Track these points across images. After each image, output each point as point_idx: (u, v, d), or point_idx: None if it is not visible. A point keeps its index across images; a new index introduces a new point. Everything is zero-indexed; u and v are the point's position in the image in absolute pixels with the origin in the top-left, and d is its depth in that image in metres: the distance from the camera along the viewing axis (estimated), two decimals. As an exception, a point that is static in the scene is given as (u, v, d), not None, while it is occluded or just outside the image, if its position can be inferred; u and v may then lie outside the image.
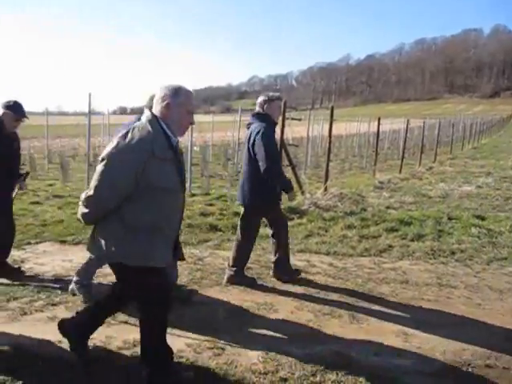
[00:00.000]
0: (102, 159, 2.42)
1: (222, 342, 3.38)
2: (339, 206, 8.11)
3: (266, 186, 4.28)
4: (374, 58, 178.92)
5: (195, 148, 15.53)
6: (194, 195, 9.41)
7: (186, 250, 5.59)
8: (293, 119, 11.46)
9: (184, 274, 4.76)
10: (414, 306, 4.22)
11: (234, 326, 3.68)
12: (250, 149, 4.29)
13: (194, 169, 10.82)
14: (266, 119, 4.35)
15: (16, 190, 4.69)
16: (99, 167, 2.43)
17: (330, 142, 10.11)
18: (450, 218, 7.29)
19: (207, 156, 16.11)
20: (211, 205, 8.28)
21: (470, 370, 3.15)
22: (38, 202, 8.36)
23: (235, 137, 16.56)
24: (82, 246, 5.68)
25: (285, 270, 4.68)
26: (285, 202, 5.55)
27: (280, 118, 8.90)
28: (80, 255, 5.34)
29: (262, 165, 4.17)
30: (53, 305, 3.92)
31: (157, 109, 2.57)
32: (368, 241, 6.21)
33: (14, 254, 5.27)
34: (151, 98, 2.92)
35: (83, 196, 2.52)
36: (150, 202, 2.47)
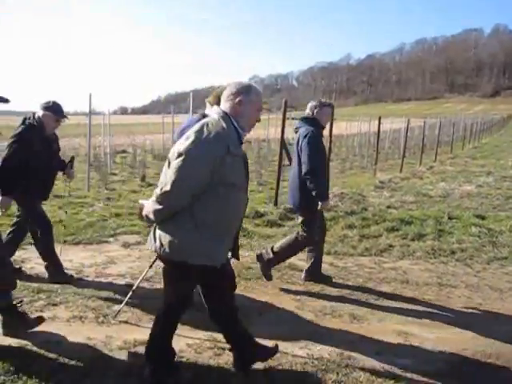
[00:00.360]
0: (180, 154, 2.39)
1: (222, 342, 3.37)
2: (340, 206, 8.11)
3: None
4: (374, 58, 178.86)
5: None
6: (194, 195, 9.38)
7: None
8: (293, 119, 11.45)
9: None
10: (415, 305, 4.21)
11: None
12: (299, 152, 4.33)
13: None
14: (315, 123, 4.40)
15: (67, 179, 4.74)
16: (176, 162, 2.39)
17: (330, 142, 10.10)
18: (450, 218, 7.28)
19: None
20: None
21: (470, 369, 3.15)
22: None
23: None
24: (83, 246, 5.70)
25: (317, 274, 4.71)
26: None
27: (280, 118, 8.91)
28: (80, 255, 5.35)
29: (303, 167, 4.22)
30: (53, 305, 3.92)
31: (226, 105, 2.58)
32: (369, 240, 6.21)
33: (15, 254, 5.27)
34: (215, 96, 3.02)
35: (158, 192, 2.46)
36: (221, 198, 2.47)
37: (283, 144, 8.50)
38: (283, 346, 3.32)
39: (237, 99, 2.55)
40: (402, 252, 5.78)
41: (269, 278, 4.59)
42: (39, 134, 4.27)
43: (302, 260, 5.37)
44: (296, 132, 4.52)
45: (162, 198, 2.43)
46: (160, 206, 2.46)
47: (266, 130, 24.79)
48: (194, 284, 2.75)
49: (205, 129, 2.42)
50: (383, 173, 13.94)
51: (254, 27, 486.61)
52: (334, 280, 4.75)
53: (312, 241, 4.53)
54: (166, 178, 2.42)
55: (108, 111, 17.03)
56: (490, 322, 3.91)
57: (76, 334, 3.39)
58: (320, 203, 4.28)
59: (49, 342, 3.27)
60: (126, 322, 3.64)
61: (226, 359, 3.13)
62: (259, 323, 3.72)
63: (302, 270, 4.96)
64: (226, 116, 2.52)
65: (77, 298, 4.05)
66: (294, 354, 3.22)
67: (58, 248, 4.59)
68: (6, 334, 3.28)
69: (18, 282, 3.48)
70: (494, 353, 3.35)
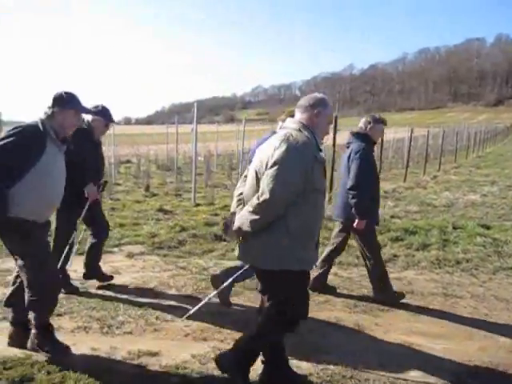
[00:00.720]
0: (274, 163, 2.46)
1: (226, 352, 3.36)
2: (344, 216, 8.08)
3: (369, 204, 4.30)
4: (377, 68, 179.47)
5: (200, 158, 15.58)
6: (198, 205, 9.42)
7: (191, 260, 5.61)
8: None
9: (189, 284, 4.76)
10: (420, 316, 4.19)
11: (239, 336, 3.66)
12: (349, 167, 4.33)
13: (198, 178, 10.84)
14: (366, 139, 4.40)
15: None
16: (272, 171, 2.46)
17: (334, 152, 10.12)
18: (454, 228, 7.25)
19: (211, 166, 16.16)
20: (216, 215, 8.28)
21: (476, 381, 3.12)
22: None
23: (239, 147, 16.59)
24: (87, 256, 5.69)
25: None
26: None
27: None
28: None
29: (349, 182, 4.24)
30: (58, 315, 3.90)
31: (303, 116, 2.69)
32: (373, 250, 6.18)
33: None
34: (288, 115, 3.20)
35: (255, 202, 2.51)
36: (310, 204, 2.58)
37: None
38: (288, 356, 3.30)
39: (315, 111, 2.67)
40: (406, 262, 5.76)
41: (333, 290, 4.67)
42: (89, 139, 4.24)
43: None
44: (347, 147, 4.49)
45: (261, 208, 2.48)
46: (257, 216, 2.50)
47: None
48: (294, 290, 2.70)
49: (291, 138, 2.52)
50: (387, 182, 13.93)
51: (257, 38, 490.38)
52: (338, 290, 4.73)
53: (374, 256, 4.49)
54: (263, 188, 2.47)
55: (112, 122, 17.11)
56: (496, 332, 3.88)
57: (80, 344, 3.39)
58: (356, 220, 4.26)
59: (53, 352, 3.27)
60: (130, 333, 3.64)
61: (231, 370, 3.11)
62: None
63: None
64: (304, 126, 2.63)
65: (81, 309, 4.05)
66: (298, 364, 3.20)
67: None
68: (32, 348, 3.21)
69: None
70: (500, 364, 3.32)
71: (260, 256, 2.56)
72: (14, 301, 3.30)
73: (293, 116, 2.84)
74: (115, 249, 6.08)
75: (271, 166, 2.46)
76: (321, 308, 4.30)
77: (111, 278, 4.75)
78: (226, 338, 3.59)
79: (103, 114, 4.31)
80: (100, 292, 4.52)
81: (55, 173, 3.12)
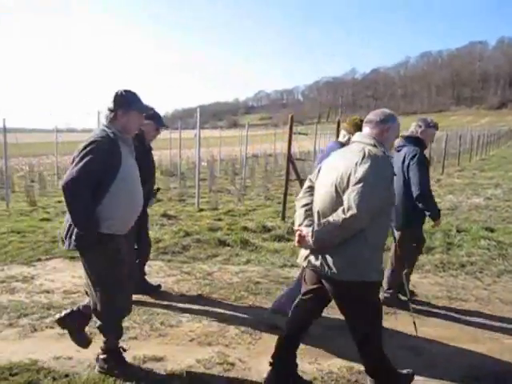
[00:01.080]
0: (360, 180, 2.52)
1: (232, 357, 3.37)
2: (347, 220, 8.07)
3: (418, 209, 4.28)
4: (379, 72, 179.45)
5: (203, 163, 15.62)
6: (202, 210, 9.44)
7: (195, 265, 5.62)
8: (300, 134, 11.51)
9: (193, 289, 4.77)
10: (425, 319, 4.18)
11: (245, 341, 3.68)
12: (405, 172, 4.31)
13: (201, 184, 10.87)
14: (419, 143, 4.40)
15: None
16: (358, 188, 2.51)
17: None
18: (459, 231, 7.24)
19: (215, 171, 16.18)
20: (219, 220, 8.30)
21: (482, 384, 3.12)
22: (47, 219, 8.43)
23: (243, 152, 16.66)
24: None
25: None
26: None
27: (287, 133, 8.97)
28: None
29: (415, 190, 4.21)
30: (63, 321, 3.93)
31: (374, 131, 2.78)
32: (377, 254, 6.18)
33: (25, 271, 5.32)
34: (353, 124, 3.46)
35: (341, 216, 2.54)
36: (385, 217, 2.72)
37: (290, 159, 8.53)
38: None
39: (385, 126, 2.77)
40: (410, 266, 5.74)
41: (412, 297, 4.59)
42: (141, 143, 4.13)
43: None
44: (398, 151, 4.47)
45: (349, 222, 2.53)
46: (343, 230, 2.57)
47: (272, 145, 24.89)
48: (370, 301, 2.77)
49: (372, 154, 2.60)
50: (390, 186, 13.89)
51: (260, 43, 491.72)
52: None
53: (400, 262, 4.49)
54: (349, 203, 2.51)
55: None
56: (501, 335, 3.87)
57: (86, 349, 3.40)
58: (434, 222, 4.39)
59: (59, 357, 3.29)
60: (135, 338, 3.65)
61: (236, 374, 3.13)
62: (269, 338, 3.71)
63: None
64: (378, 142, 2.72)
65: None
66: (303, 369, 3.20)
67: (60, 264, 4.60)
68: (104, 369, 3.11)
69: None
70: (505, 366, 3.32)
71: (344, 268, 2.61)
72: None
73: (357, 125, 2.99)
74: (119, 254, 6.08)
75: (357, 183, 2.53)
76: (324, 312, 4.29)
77: (159, 287, 4.70)
78: (231, 343, 3.60)
79: (154, 117, 4.22)
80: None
81: (134, 176, 3.04)
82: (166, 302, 4.44)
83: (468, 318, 4.25)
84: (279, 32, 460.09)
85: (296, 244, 2.82)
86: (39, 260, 5.79)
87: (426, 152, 4.71)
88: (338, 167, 2.68)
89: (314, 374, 3.15)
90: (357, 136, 2.85)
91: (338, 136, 10.04)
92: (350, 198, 2.51)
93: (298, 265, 5.69)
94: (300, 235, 2.74)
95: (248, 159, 18.01)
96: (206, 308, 4.30)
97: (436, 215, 4.33)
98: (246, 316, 4.16)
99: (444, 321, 4.16)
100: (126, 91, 2.98)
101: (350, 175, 2.57)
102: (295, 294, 3.56)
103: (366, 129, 2.81)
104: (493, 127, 54.73)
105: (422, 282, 5.20)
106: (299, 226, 2.80)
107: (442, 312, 4.36)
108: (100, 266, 2.91)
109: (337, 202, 2.61)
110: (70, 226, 2.87)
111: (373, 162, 2.55)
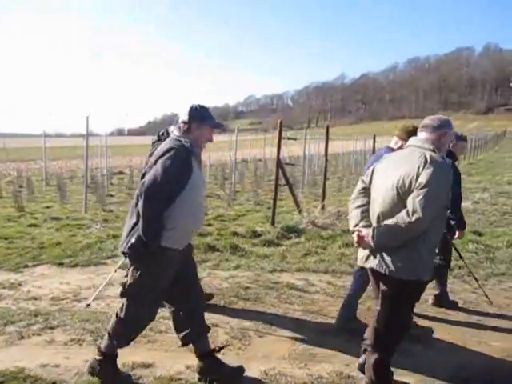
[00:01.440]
0: (424, 185, 2.60)
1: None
2: (337, 224, 8.13)
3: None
4: (368, 77, 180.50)
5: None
6: (191, 215, 9.39)
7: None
8: (289, 138, 11.55)
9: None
10: (414, 323, 4.19)
11: (234, 346, 3.66)
12: None
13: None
14: (451, 156, 4.42)
15: None
16: (423, 192, 2.61)
17: (326, 161, 10.19)
18: (447, 235, 7.28)
19: (204, 176, 16.10)
20: (209, 225, 8.28)
21: (470, 387, 3.14)
22: (35, 225, 8.35)
23: (232, 156, 16.65)
24: (79, 269, 5.68)
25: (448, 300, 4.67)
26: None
27: (276, 138, 8.99)
28: (77, 277, 5.33)
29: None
30: (50, 328, 3.89)
31: (431, 136, 2.86)
32: (366, 258, 6.20)
33: (12, 277, 5.26)
34: (406, 131, 3.57)
35: (406, 219, 2.63)
36: (442, 219, 2.85)
37: (279, 164, 8.56)
38: (282, 365, 3.31)
39: (442, 131, 2.87)
40: (399, 269, 5.77)
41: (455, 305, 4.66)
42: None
43: (300, 279, 5.36)
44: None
45: (414, 224, 2.63)
46: (408, 231, 2.67)
47: (262, 150, 24.93)
48: (416, 299, 2.98)
49: (433, 160, 2.69)
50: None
51: (248, 47, 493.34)
52: (331, 299, 4.74)
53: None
54: (414, 207, 2.62)
55: (105, 133, 17.15)
56: (489, 338, 3.90)
57: (74, 357, 3.37)
58: (457, 232, 4.57)
59: (46, 365, 3.26)
60: (123, 345, 3.61)
61: (226, 380, 3.11)
62: (259, 343, 3.71)
63: (299, 290, 4.96)
64: (436, 147, 2.81)
65: (74, 321, 4.03)
66: (292, 374, 3.20)
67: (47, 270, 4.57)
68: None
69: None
70: (492, 371, 3.34)
71: (403, 267, 2.71)
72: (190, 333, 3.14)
73: (410, 132, 3.10)
74: (108, 260, 6.05)
75: (421, 187, 2.62)
76: (315, 317, 4.31)
77: (211, 296, 4.64)
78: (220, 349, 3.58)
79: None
80: (93, 304, 4.50)
81: (201, 189, 3.07)
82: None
83: (456, 320, 4.28)
84: (269, 37, 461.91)
85: (355, 244, 2.91)
86: (26, 266, 5.73)
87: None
88: (397, 171, 2.77)
89: (304, 379, 3.15)
90: (413, 140, 2.93)
91: (327, 141, 10.12)
92: (415, 201, 2.62)
93: (287, 269, 5.72)
94: (359, 236, 2.84)
95: (238, 164, 18.02)
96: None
97: (461, 226, 4.57)
98: (235, 321, 4.15)
99: (432, 323, 4.18)
100: (201, 106, 3.07)
101: (411, 179, 2.67)
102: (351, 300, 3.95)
103: (423, 134, 2.90)
104: (480, 132, 55.30)
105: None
106: (355, 226, 2.90)
107: (431, 315, 4.39)
108: (145, 277, 2.88)
109: (398, 204, 2.71)
110: (134, 226, 2.83)
111: (435, 167, 2.65)
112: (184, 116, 3.01)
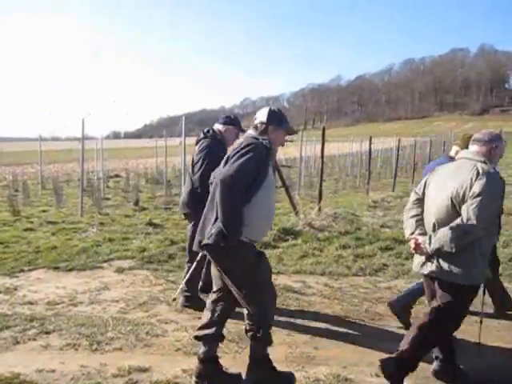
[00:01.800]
0: (478, 194, 2.77)
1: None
2: (333, 226, 8.13)
3: None
4: (364, 79, 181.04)
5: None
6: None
7: (181, 274, 5.57)
8: (286, 141, 11.53)
9: (179, 298, 4.72)
10: (411, 325, 4.19)
11: (231, 349, 3.65)
12: None
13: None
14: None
15: None
16: (477, 201, 2.76)
17: (322, 162, 10.18)
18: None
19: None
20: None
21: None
22: (31, 229, 8.31)
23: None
24: (76, 273, 5.66)
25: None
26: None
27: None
28: (73, 282, 5.31)
29: None
30: (46, 333, 3.87)
31: (482, 149, 3.01)
32: (363, 260, 6.21)
33: (7, 282, 5.23)
34: (465, 141, 3.58)
35: (460, 227, 2.78)
36: (495, 227, 3.06)
37: (276, 166, 8.55)
38: (279, 368, 3.29)
39: (493, 145, 3.03)
40: (396, 271, 5.78)
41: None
42: (222, 149, 4.15)
43: (297, 281, 5.36)
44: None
45: (470, 231, 2.79)
46: (463, 238, 2.81)
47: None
48: (469, 302, 3.08)
49: (485, 171, 2.84)
50: (376, 192, 14.01)
51: (244, 51, 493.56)
52: (328, 301, 4.74)
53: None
54: (469, 215, 2.78)
55: (101, 136, 17.12)
56: (487, 339, 3.90)
57: (70, 361, 3.35)
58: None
59: (42, 370, 3.23)
60: (120, 349, 3.60)
61: (222, 384, 3.09)
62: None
63: (296, 292, 4.94)
64: (487, 159, 2.96)
65: (70, 326, 4.01)
66: (289, 377, 3.18)
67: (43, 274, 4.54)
68: None
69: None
70: (492, 371, 3.34)
71: (459, 272, 2.85)
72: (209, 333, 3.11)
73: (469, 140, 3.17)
74: (104, 264, 6.03)
75: (475, 197, 2.78)
76: (311, 319, 4.30)
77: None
78: (217, 352, 3.56)
79: (236, 123, 4.34)
80: (89, 308, 4.48)
81: (274, 188, 3.11)
82: (151, 312, 4.39)
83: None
84: (265, 40, 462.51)
85: (412, 251, 3.05)
86: (22, 271, 5.70)
87: (411, 157, 4.76)
88: (451, 182, 2.92)
89: (301, 382, 3.14)
90: (465, 153, 3.10)
91: (323, 142, 10.12)
92: (470, 210, 2.77)
93: (284, 272, 5.71)
94: (416, 243, 2.99)
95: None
96: (192, 317, 4.27)
97: None
98: (232, 324, 4.13)
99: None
100: (279, 110, 3.16)
101: (465, 190, 2.82)
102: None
103: (475, 147, 3.05)
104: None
105: (408, 287, 5.21)
106: (411, 234, 3.07)
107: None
108: (239, 271, 2.90)
109: (453, 213, 2.86)
110: (215, 221, 2.83)
111: (488, 178, 2.80)
112: (262, 117, 3.08)
